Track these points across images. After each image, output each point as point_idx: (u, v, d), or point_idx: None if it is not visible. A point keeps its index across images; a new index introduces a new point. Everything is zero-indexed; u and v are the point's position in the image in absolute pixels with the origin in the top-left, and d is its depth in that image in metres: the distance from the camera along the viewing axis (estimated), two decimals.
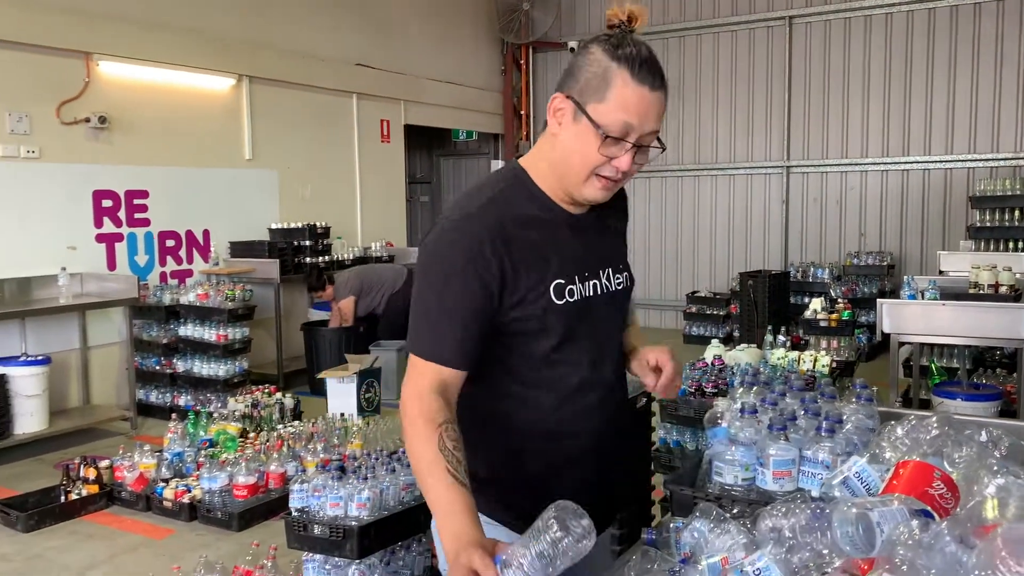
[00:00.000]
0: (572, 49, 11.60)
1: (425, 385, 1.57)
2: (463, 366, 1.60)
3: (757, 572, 1.30)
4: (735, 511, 1.63)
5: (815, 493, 1.63)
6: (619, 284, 1.80)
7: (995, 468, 1.29)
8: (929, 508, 1.30)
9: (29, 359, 6.07)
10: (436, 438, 1.51)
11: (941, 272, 7.01)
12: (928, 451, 1.39)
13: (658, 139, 1.63)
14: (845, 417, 1.80)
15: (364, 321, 7.96)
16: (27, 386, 5.93)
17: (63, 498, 4.89)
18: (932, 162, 9.65)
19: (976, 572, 1.00)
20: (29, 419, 5.95)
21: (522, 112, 12.16)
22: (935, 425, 1.48)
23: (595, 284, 1.73)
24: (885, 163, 9.92)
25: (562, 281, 1.65)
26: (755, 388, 2.13)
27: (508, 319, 1.63)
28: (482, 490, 1.67)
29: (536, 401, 1.70)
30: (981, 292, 5.19)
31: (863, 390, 1.88)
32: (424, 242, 1.66)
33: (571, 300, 1.66)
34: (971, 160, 9.42)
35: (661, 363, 1.79)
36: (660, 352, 1.81)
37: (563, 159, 1.63)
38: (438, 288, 1.60)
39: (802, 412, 1.85)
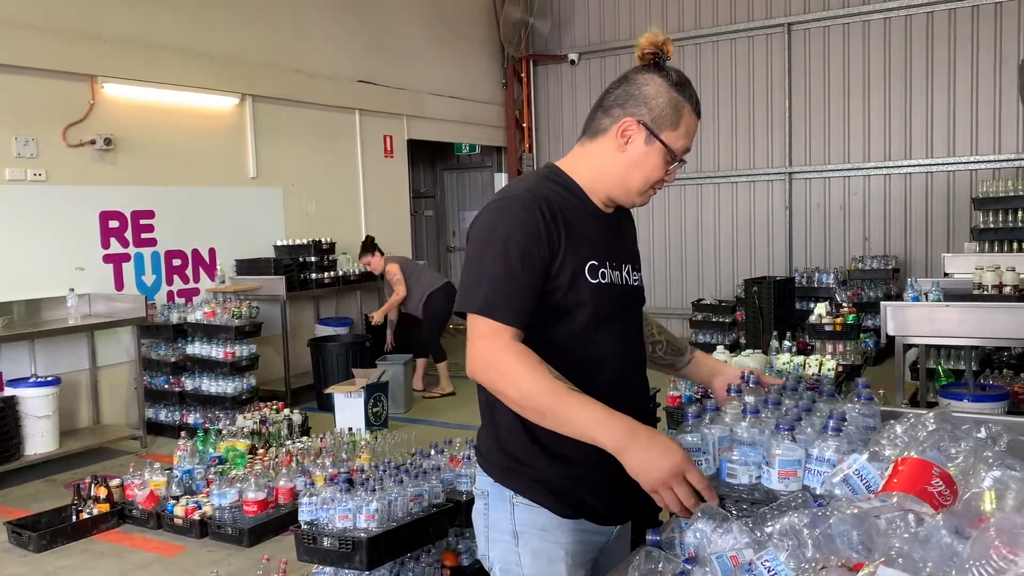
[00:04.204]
0: (572, 61, 11.68)
1: (507, 339, 1.68)
2: (525, 326, 1.71)
3: (769, 568, 1.31)
4: (743, 508, 1.64)
5: (819, 491, 1.64)
6: (635, 282, 1.96)
7: (991, 461, 1.30)
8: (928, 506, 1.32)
9: (39, 380, 6.09)
10: (545, 370, 1.64)
11: (946, 274, 7.01)
12: (925, 447, 1.40)
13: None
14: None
15: (404, 325, 8.22)
16: (37, 407, 5.96)
17: (75, 517, 4.91)
18: (935, 165, 9.66)
19: (971, 562, 1.02)
20: (39, 440, 5.98)
21: (524, 124, 12.20)
22: (932, 421, 1.49)
23: (618, 275, 1.89)
24: (888, 167, 9.93)
25: (595, 263, 1.81)
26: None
27: (551, 287, 1.76)
28: (520, 472, 1.80)
29: (576, 381, 1.72)
30: (985, 293, 5.19)
31: (864, 389, 1.90)
32: (473, 224, 1.81)
33: (603, 282, 1.82)
34: (974, 162, 9.43)
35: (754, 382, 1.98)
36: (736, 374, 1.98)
37: (625, 172, 1.84)
38: (498, 252, 1.71)
39: (801, 411, 1.86)
